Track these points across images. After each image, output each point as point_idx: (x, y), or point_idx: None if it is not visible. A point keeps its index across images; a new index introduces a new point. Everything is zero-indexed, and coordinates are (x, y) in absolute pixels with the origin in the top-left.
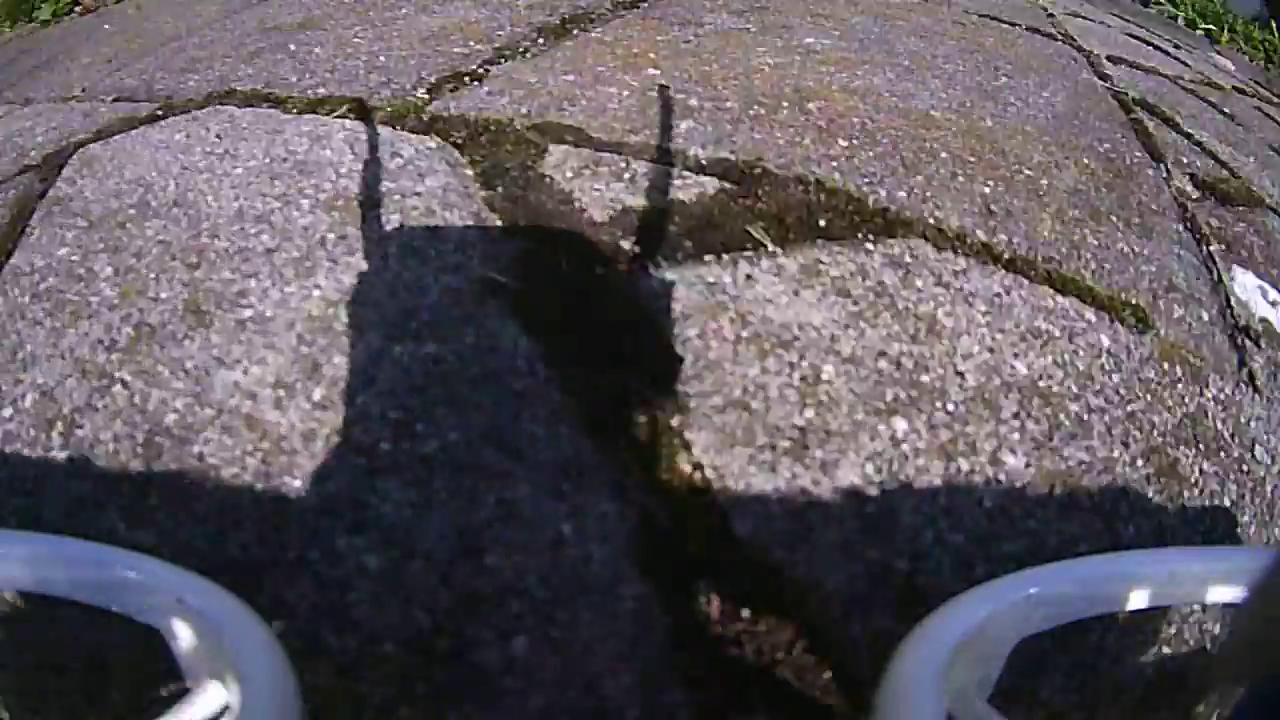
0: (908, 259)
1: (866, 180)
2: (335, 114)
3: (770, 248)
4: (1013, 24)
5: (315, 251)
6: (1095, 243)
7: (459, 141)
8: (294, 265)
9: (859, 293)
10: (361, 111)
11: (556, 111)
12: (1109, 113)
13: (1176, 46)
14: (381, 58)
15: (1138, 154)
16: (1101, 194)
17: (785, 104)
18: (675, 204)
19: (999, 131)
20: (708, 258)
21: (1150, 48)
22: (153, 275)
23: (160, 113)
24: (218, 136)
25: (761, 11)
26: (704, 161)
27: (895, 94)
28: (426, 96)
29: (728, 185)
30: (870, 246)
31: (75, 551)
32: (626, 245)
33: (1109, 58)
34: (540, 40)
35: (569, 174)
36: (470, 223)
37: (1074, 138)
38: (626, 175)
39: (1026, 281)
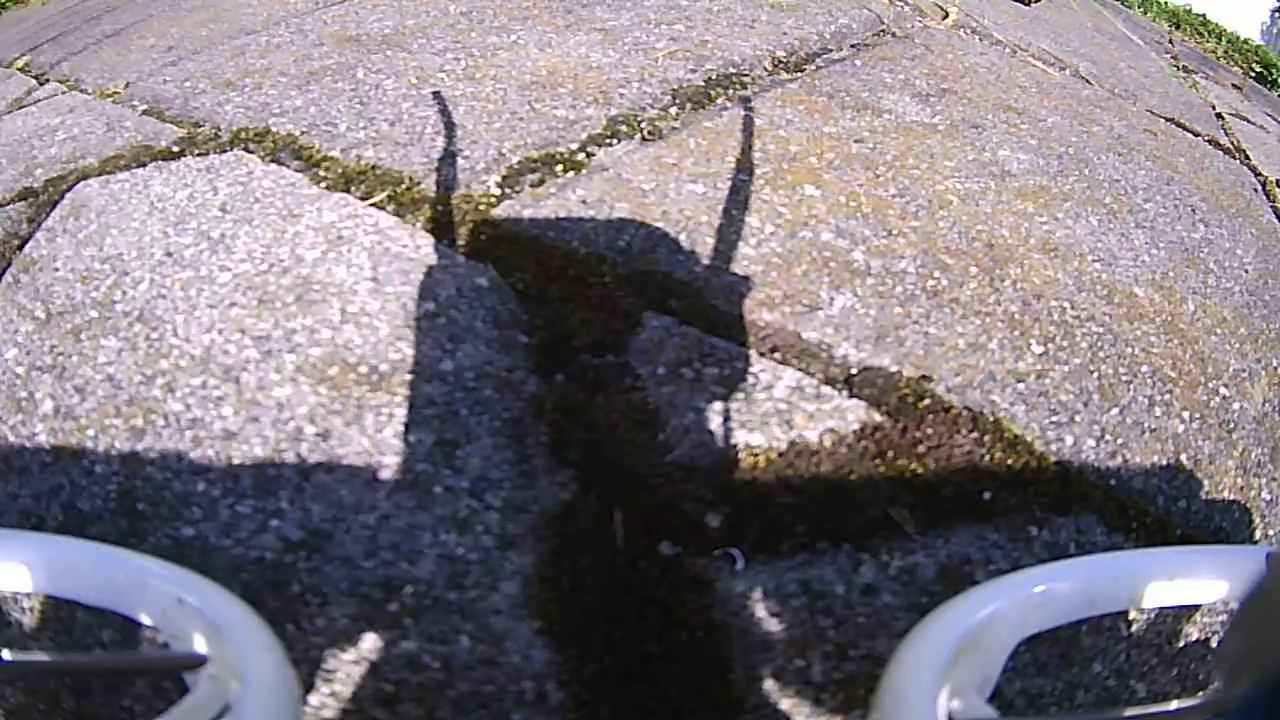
0: (1071, 549)
1: (1054, 419)
2: (370, 201)
3: (912, 536)
4: (1195, 134)
5: (282, 452)
6: (1268, 497)
7: (521, 284)
8: (252, 474)
9: None
10: (404, 205)
11: (668, 254)
12: None
13: None
14: (461, 109)
15: None
16: None
17: (975, 268)
18: (797, 449)
19: (1200, 323)
20: (821, 546)
21: None
22: (91, 433)
23: (177, 149)
24: (222, 209)
25: (948, 98)
26: (854, 371)
27: (1099, 256)
28: (498, 191)
29: (879, 418)
30: (1033, 532)
31: (77, 552)
32: (712, 519)
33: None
34: (673, 108)
35: (661, 370)
36: (497, 440)
37: (1266, 322)
38: (738, 384)
39: None
